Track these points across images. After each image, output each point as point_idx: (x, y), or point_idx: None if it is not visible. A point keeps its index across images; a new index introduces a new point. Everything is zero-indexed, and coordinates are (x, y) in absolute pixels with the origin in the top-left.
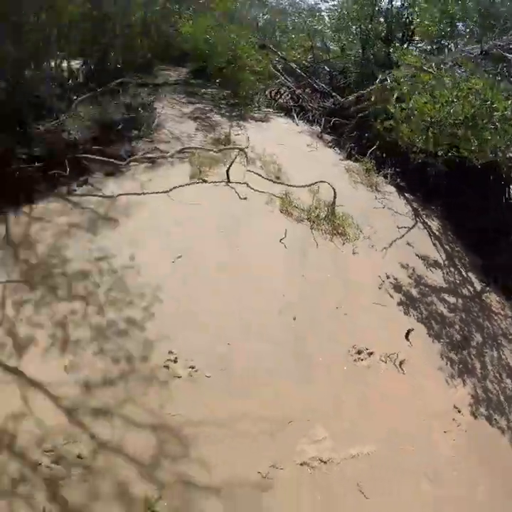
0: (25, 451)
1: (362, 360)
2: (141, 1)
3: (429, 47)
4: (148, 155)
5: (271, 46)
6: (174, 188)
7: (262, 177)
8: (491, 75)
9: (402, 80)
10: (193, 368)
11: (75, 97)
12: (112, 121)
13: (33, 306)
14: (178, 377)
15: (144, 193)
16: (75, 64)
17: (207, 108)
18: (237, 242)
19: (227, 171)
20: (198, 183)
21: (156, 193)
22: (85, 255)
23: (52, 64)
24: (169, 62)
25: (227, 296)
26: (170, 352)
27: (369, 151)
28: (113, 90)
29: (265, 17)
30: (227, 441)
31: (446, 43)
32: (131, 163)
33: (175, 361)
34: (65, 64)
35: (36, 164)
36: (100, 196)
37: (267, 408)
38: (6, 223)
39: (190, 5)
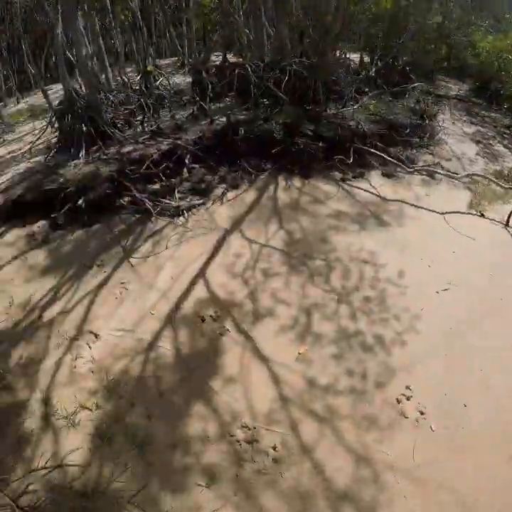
0: (221, 417)
1: None
2: (440, 8)
3: None
4: (430, 168)
5: None
6: (451, 212)
7: None
8: None
9: None
10: (422, 413)
11: (366, 90)
12: (398, 123)
13: (283, 280)
14: (405, 417)
15: (420, 207)
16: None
17: (489, 133)
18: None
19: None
20: (475, 214)
21: (432, 211)
22: (351, 250)
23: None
24: (448, 73)
25: (486, 349)
26: (407, 387)
27: None
28: (398, 91)
29: None
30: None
31: None
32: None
33: (408, 399)
34: (355, 56)
35: (320, 144)
36: (375, 195)
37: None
38: (276, 189)
39: (489, 18)
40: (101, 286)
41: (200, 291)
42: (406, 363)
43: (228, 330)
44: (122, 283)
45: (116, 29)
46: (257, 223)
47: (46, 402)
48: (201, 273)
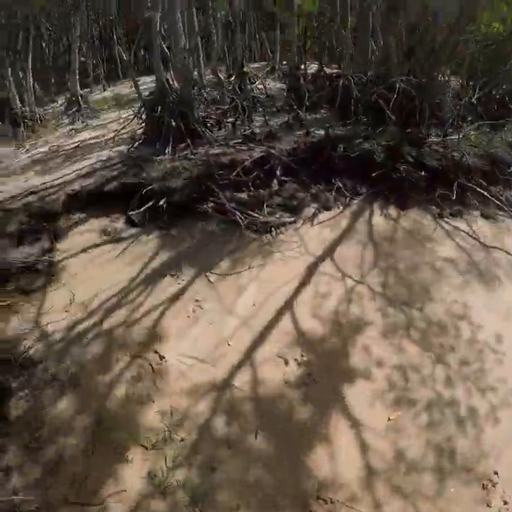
0: (297, 483)
1: None
2: None
3: None
4: None
5: None
6: None
7: None
8: None
9: None
10: (506, 503)
11: (469, 118)
12: (499, 158)
13: (377, 330)
14: (488, 505)
15: None
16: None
17: None
18: None
19: None
20: None
21: None
22: (447, 302)
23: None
24: None
25: None
26: (495, 473)
27: None
28: (496, 123)
29: None
30: None
31: None
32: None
33: (493, 486)
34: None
35: (422, 173)
36: (476, 239)
37: None
38: (371, 217)
39: None
40: (173, 299)
41: (285, 327)
42: (496, 445)
43: (314, 380)
44: (197, 300)
45: (213, 26)
46: (350, 255)
47: (98, 425)
48: (288, 305)
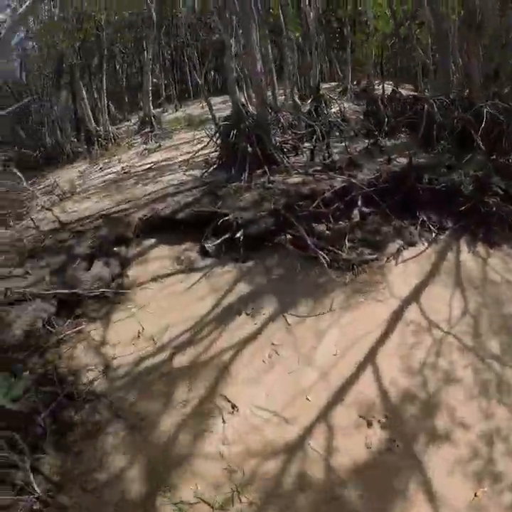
0: None
1: None
2: None
3: None
4: None
5: None
6: None
7: None
8: None
9: None
10: None
11: None
12: None
13: (465, 391)
14: None
15: None
16: None
17: None
18: None
19: None
20: None
21: None
22: None
23: None
24: None
25: None
26: None
27: None
28: None
29: None
30: None
31: None
32: None
33: None
34: None
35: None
36: None
37: None
38: (458, 256)
39: None
40: (248, 341)
41: (367, 382)
42: None
43: (398, 445)
44: (274, 344)
45: (286, 48)
46: (438, 299)
47: (158, 474)
48: (371, 356)
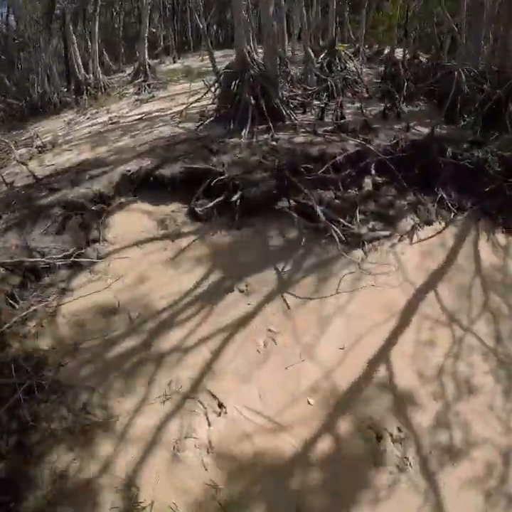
0: None
1: None
2: None
3: None
4: None
5: None
6: None
7: None
8: None
9: None
10: None
11: None
12: None
13: (485, 400)
14: None
15: None
16: None
17: None
18: None
19: None
20: None
21: None
22: None
23: None
24: None
25: None
26: None
27: None
28: None
29: None
30: None
31: None
32: None
33: None
34: None
35: None
36: None
37: None
38: (477, 241)
39: None
40: (240, 324)
41: (377, 387)
42: None
43: (410, 465)
44: (270, 331)
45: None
46: (455, 290)
47: (127, 488)
48: (383, 353)
